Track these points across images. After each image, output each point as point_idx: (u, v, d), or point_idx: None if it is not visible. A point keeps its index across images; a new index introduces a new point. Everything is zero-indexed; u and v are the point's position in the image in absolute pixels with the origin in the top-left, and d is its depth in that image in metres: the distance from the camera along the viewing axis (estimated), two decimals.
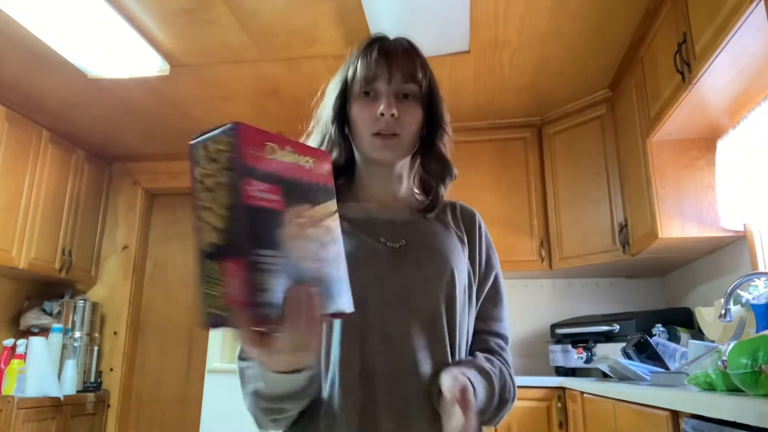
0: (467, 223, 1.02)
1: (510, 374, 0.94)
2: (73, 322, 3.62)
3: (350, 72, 0.98)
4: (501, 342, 0.97)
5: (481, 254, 1.00)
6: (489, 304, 0.99)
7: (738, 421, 1.01)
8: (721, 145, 2.37)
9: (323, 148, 0.99)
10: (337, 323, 0.86)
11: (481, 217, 1.05)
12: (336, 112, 0.98)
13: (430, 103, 0.98)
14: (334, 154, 0.98)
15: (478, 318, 0.98)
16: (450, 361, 0.88)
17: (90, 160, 3.96)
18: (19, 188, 3.32)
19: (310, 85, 3.57)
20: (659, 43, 2.31)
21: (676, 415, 1.38)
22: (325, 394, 0.85)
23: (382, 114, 0.91)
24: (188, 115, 3.54)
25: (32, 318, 3.58)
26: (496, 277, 1.01)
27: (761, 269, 2.19)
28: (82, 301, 3.70)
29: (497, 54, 2.74)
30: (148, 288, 4.15)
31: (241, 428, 2.58)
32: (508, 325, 1.00)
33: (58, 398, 3.22)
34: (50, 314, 3.67)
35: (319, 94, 1.07)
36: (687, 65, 1.99)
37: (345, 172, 1.00)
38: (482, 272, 0.99)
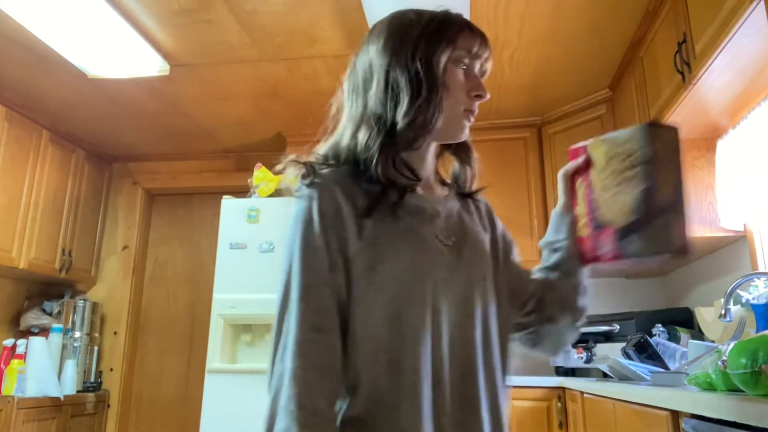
0: (486, 211, 1.05)
1: None
2: (73, 322, 3.62)
3: (451, 34, 0.90)
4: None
5: (501, 235, 1.04)
6: (518, 264, 1.04)
7: (738, 421, 1.01)
8: (721, 145, 2.37)
9: (416, 115, 0.87)
10: (409, 331, 0.83)
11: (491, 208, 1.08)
12: (437, 72, 0.88)
13: None
14: (432, 117, 0.88)
15: (524, 279, 1.02)
16: (496, 364, 0.88)
17: (90, 160, 3.96)
18: (19, 188, 3.32)
19: (310, 85, 3.63)
20: (659, 43, 2.31)
21: (676, 415, 1.38)
22: (391, 399, 0.80)
23: (478, 95, 0.90)
24: (188, 115, 3.54)
25: (32, 318, 3.58)
26: (514, 245, 1.06)
27: (761, 269, 2.19)
28: (82, 301, 3.70)
29: (497, 54, 2.74)
30: (148, 288, 4.15)
31: (241, 428, 2.58)
32: None
33: (58, 398, 3.22)
34: (50, 314, 3.67)
35: (382, 58, 0.91)
36: (687, 65, 1.99)
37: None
38: (506, 248, 1.03)
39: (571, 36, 2.64)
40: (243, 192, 3.10)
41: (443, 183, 1.02)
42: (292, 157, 0.95)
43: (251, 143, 3.95)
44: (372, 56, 0.92)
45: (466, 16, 2.38)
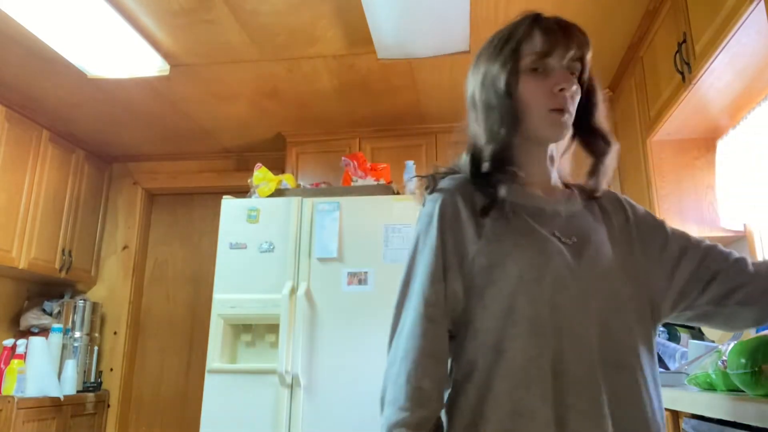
0: (614, 206, 1.03)
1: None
2: (73, 322, 3.62)
3: (513, 49, 0.95)
4: (714, 244, 1.01)
5: (638, 222, 1.02)
6: (680, 240, 1.01)
7: (738, 421, 1.01)
8: (721, 145, 2.37)
9: (494, 129, 0.95)
10: (526, 325, 0.86)
11: (626, 197, 1.07)
12: (510, 87, 0.94)
13: (586, 77, 0.99)
14: (505, 133, 0.95)
15: (688, 255, 0.99)
16: (624, 362, 0.88)
17: (90, 160, 3.96)
18: (19, 188, 3.32)
19: (310, 85, 3.62)
20: (659, 43, 2.31)
21: (676, 415, 1.38)
22: (504, 387, 0.84)
23: (561, 89, 0.92)
24: (188, 115, 3.54)
25: (32, 318, 3.58)
26: (666, 226, 1.03)
27: None
28: (82, 301, 3.70)
29: None
30: (148, 288, 4.15)
31: (241, 428, 2.58)
32: None
33: (58, 398, 3.22)
34: (50, 314, 3.67)
35: (472, 84, 1.02)
36: (687, 65, 1.99)
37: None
38: (648, 230, 1.01)
39: None
40: (243, 192, 3.10)
41: (567, 185, 1.04)
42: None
43: (251, 143, 3.95)
44: (467, 81, 1.04)
45: (466, 16, 2.39)
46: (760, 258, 2.23)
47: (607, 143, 1.01)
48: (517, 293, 0.87)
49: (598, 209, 1.02)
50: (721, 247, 1.01)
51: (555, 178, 1.02)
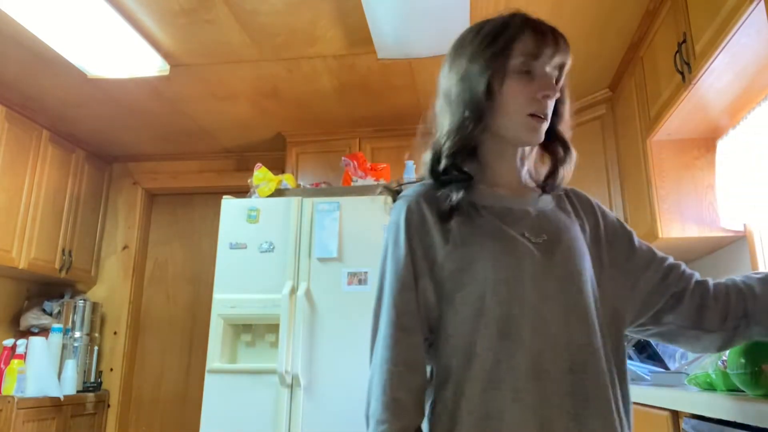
0: (585, 209, 1.04)
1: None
2: (73, 322, 3.62)
3: (501, 48, 0.93)
4: (678, 263, 1.02)
5: (607, 228, 1.02)
6: (646, 253, 1.02)
7: (738, 421, 1.01)
8: (721, 145, 2.37)
9: (464, 125, 0.94)
10: (497, 326, 0.86)
11: (598, 202, 1.07)
12: (493, 86, 0.92)
13: (561, 86, 0.98)
14: (472, 129, 0.94)
15: (652, 268, 1.00)
16: (598, 357, 0.88)
17: (90, 160, 3.96)
18: (19, 188, 3.32)
19: (310, 85, 3.62)
20: (659, 43, 2.31)
21: (676, 415, 1.38)
22: (478, 390, 0.84)
23: (545, 96, 0.91)
24: (188, 115, 3.54)
25: (32, 318, 3.58)
26: (634, 236, 1.05)
27: (761, 269, 2.19)
28: (82, 301, 3.70)
29: None
30: (148, 288, 4.15)
31: (241, 428, 2.58)
32: None
33: (58, 398, 3.22)
34: (50, 314, 3.67)
35: (448, 66, 1.00)
36: (687, 65, 1.99)
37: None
38: (616, 238, 1.02)
39: (570, 36, 2.61)
40: (243, 192, 3.10)
41: (539, 184, 1.03)
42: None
43: (251, 143, 3.95)
44: (441, 74, 1.02)
45: (466, 16, 2.39)
46: (760, 258, 2.23)
47: (567, 151, 1.01)
48: (485, 295, 0.86)
49: (570, 208, 1.02)
50: (684, 266, 1.02)
51: (525, 178, 1.01)
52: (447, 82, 1.00)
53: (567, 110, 1.01)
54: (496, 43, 0.93)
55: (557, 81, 0.95)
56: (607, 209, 1.07)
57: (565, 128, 1.01)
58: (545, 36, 0.93)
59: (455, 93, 0.96)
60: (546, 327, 0.86)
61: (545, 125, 0.93)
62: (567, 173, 1.01)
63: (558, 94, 0.94)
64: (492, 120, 0.94)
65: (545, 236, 0.92)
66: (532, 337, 0.85)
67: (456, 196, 0.91)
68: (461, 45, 1.00)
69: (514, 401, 0.82)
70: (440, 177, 0.95)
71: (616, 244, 1.01)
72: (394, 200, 0.99)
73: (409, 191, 0.97)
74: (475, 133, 0.94)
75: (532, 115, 0.92)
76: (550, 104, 0.93)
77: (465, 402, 0.84)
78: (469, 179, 0.94)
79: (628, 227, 1.06)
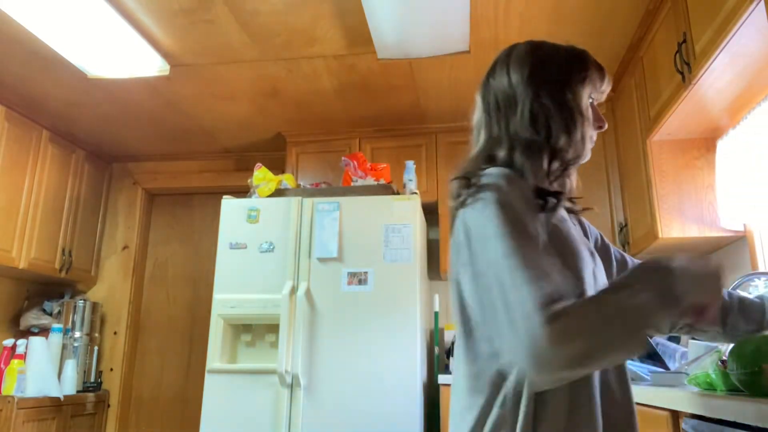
0: (579, 221, 1.14)
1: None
2: (73, 322, 3.62)
3: (583, 74, 1.02)
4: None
5: (595, 241, 1.16)
6: (624, 264, 1.17)
7: (738, 421, 1.01)
8: (721, 145, 2.37)
9: (571, 139, 0.98)
10: None
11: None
12: (582, 107, 1.01)
13: None
14: (570, 145, 0.98)
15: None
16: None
17: (90, 160, 3.96)
18: (19, 188, 3.32)
19: (310, 85, 3.61)
20: (659, 43, 2.31)
21: (676, 415, 1.38)
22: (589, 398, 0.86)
23: (600, 127, 1.04)
24: (188, 115, 3.54)
25: (32, 318, 3.58)
26: (611, 247, 1.20)
27: (761, 269, 2.19)
28: (82, 301, 3.70)
29: (497, 54, 2.73)
30: (148, 288, 4.15)
31: (241, 428, 2.59)
32: None
33: (58, 398, 3.22)
34: (50, 314, 3.67)
35: (525, 90, 1.01)
36: (687, 65, 1.99)
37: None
38: (603, 251, 1.16)
39: (571, 36, 2.64)
40: (243, 192, 3.10)
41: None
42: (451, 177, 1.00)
43: (251, 143, 3.95)
44: (514, 82, 1.00)
45: (466, 16, 2.39)
46: (760, 258, 2.23)
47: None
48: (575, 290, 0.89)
49: (576, 221, 1.11)
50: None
51: None
52: (530, 89, 0.99)
53: None
54: (581, 67, 1.02)
55: None
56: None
57: None
58: (606, 74, 1.05)
59: (551, 106, 0.97)
60: None
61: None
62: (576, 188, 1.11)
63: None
64: (575, 137, 0.99)
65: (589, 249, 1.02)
66: None
67: (555, 205, 0.93)
68: (547, 56, 1.02)
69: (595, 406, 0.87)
70: (547, 180, 0.96)
71: (601, 255, 1.12)
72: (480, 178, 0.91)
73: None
74: (585, 149, 1.01)
75: (592, 140, 1.03)
76: None
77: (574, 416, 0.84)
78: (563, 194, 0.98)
79: (607, 240, 1.19)
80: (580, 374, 0.79)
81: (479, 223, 0.84)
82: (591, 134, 1.02)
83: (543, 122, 0.96)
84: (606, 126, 1.05)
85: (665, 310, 0.75)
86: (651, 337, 1.92)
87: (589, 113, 1.01)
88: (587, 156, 1.03)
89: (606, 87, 1.05)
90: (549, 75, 1.00)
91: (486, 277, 0.80)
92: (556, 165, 0.95)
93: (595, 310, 0.74)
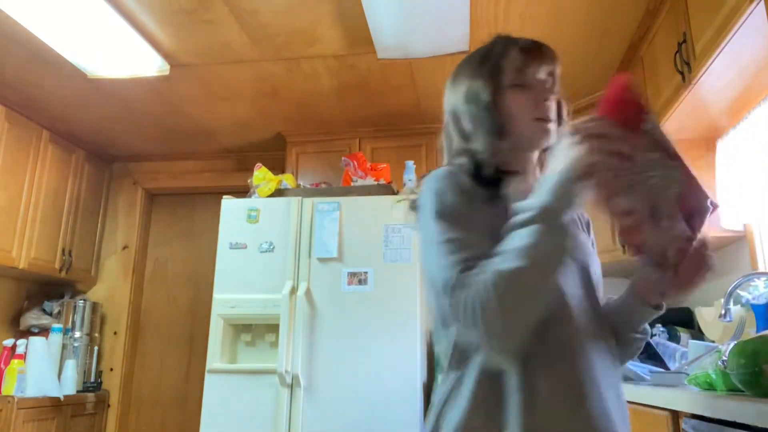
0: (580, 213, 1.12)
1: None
2: (73, 322, 3.62)
3: (493, 67, 1.00)
4: None
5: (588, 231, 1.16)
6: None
7: (738, 421, 1.01)
8: (721, 145, 2.37)
9: (486, 140, 0.99)
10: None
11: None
12: (495, 102, 0.98)
13: (557, 92, 1.04)
14: (492, 142, 0.98)
15: None
16: (609, 355, 0.94)
17: (90, 160, 3.96)
18: (19, 188, 3.32)
19: (310, 85, 3.61)
20: (659, 43, 2.31)
21: (676, 415, 1.38)
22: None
23: (544, 100, 0.97)
24: (188, 115, 3.54)
25: (32, 318, 3.58)
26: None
27: (761, 269, 2.19)
28: (82, 301, 3.70)
29: None
30: (148, 288, 4.15)
31: (241, 428, 2.59)
32: None
33: (58, 398, 3.22)
34: (50, 314, 3.67)
35: (452, 100, 1.05)
36: (687, 65, 1.99)
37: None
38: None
39: (571, 36, 2.64)
40: (243, 192, 3.10)
41: None
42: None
43: (251, 143, 3.95)
44: (445, 97, 1.07)
45: (466, 16, 2.39)
46: (760, 258, 2.23)
47: None
48: None
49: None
50: None
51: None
52: (451, 103, 1.05)
53: (566, 115, 1.06)
54: (487, 63, 1.01)
55: (552, 86, 1.01)
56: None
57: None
58: (529, 50, 1.00)
59: (462, 113, 1.01)
60: (580, 313, 0.95)
61: (552, 126, 0.99)
62: None
63: (554, 97, 1.00)
64: (505, 132, 0.98)
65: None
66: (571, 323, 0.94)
67: (504, 188, 0.95)
68: (459, 70, 1.06)
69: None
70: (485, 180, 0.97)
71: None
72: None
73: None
74: (494, 145, 0.98)
75: (537, 119, 0.97)
76: (552, 108, 0.99)
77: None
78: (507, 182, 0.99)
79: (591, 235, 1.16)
80: (520, 326, 0.78)
81: (420, 212, 0.95)
82: (525, 120, 0.97)
83: (461, 131, 1.01)
84: (550, 96, 0.98)
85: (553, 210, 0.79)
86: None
87: (515, 103, 0.97)
88: (535, 140, 0.99)
89: (531, 63, 0.99)
90: (459, 84, 1.04)
91: (424, 257, 0.92)
92: (485, 169, 0.96)
93: (501, 261, 0.78)
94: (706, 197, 0.92)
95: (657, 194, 0.86)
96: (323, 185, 3.10)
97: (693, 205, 0.91)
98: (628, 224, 0.85)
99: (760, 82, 1.96)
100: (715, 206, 0.89)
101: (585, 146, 0.78)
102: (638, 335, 1.03)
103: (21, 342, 3.23)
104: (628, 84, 0.82)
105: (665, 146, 0.88)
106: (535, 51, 1.01)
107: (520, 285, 0.76)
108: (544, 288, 0.79)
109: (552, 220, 0.78)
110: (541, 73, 0.99)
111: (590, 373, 0.86)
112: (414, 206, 0.98)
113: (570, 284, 0.91)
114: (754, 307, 1.85)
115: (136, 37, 2.62)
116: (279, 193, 2.93)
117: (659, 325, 2.54)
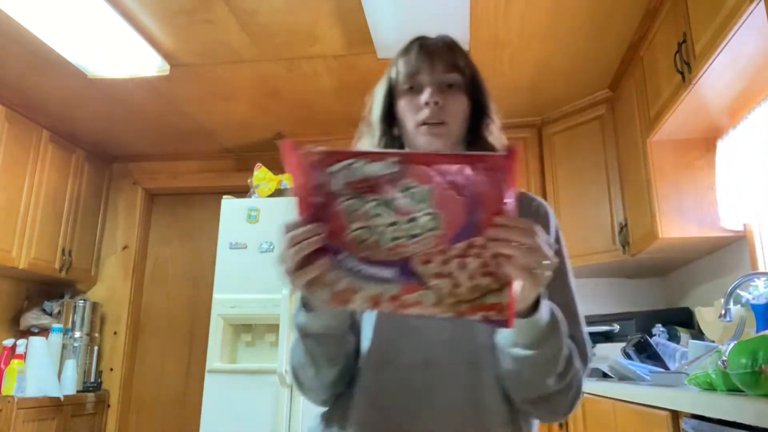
0: (537, 219, 0.94)
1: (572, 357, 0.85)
2: (73, 322, 3.62)
3: (393, 72, 1.00)
4: None
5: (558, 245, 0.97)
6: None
7: (738, 421, 1.01)
8: (721, 145, 2.37)
9: (374, 147, 1.01)
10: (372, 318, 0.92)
11: (550, 210, 1.01)
12: (383, 111, 1.00)
13: (475, 92, 0.99)
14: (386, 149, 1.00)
15: None
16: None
17: (90, 160, 3.96)
18: (19, 188, 3.32)
19: (310, 85, 3.61)
20: (659, 43, 2.31)
21: (676, 415, 1.38)
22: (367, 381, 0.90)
23: (426, 103, 0.93)
24: (188, 115, 3.54)
25: (32, 318, 3.58)
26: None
27: (761, 269, 2.19)
28: (82, 301, 3.70)
29: (497, 54, 2.74)
30: (148, 288, 4.15)
31: (241, 428, 2.59)
32: None
33: (58, 398, 3.22)
34: (50, 314, 3.67)
35: (367, 98, 1.08)
36: (687, 65, 1.99)
37: None
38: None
39: (571, 36, 2.64)
40: (243, 192, 3.10)
41: None
42: None
43: (251, 143, 3.95)
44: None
45: (466, 16, 2.39)
46: (760, 258, 2.23)
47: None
48: None
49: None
50: None
51: None
52: (371, 102, 1.06)
53: (490, 112, 1.01)
54: (389, 71, 1.01)
55: (471, 88, 0.97)
56: (558, 226, 1.00)
57: (491, 129, 1.00)
58: (417, 54, 0.96)
59: (369, 113, 1.04)
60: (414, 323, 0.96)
61: (443, 129, 0.93)
62: None
63: (454, 97, 0.94)
64: (397, 139, 1.00)
65: None
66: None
67: None
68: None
69: None
70: None
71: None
72: None
73: None
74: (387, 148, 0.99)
75: (422, 124, 0.93)
76: (447, 110, 0.93)
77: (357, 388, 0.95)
78: None
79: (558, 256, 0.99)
80: (312, 393, 0.96)
81: None
82: (411, 125, 0.94)
83: (373, 124, 1.03)
84: (431, 99, 0.92)
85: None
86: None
87: (402, 108, 0.96)
88: (421, 145, 0.94)
89: (411, 67, 0.95)
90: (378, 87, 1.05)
91: None
92: None
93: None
94: (500, 158, 0.68)
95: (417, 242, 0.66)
96: None
97: (491, 189, 0.66)
98: (413, 301, 0.66)
99: (760, 82, 1.96)
100: (513, 151, 0.67)
101: (286, 276, 0.73)
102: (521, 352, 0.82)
103: (21, 342, 3.23)
104: (290, 146, 0.68)
105: (382, 178, 0.66)
106: (427, 51, 0.96)
107: (294, 374, 0.94)
108: (312, 375, 0.89)
109: (302, 334, 0.85)
110: (433, 74, 0.94)
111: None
112: None
113: (431, 328, 0.87)
114: (754, 307, 1.85)
115: (136, 37, 2.62)
116: (279, 193, 2.93)
117: (659, 325, 2.54)
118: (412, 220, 0.66)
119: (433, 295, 0.66)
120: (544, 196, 3.30)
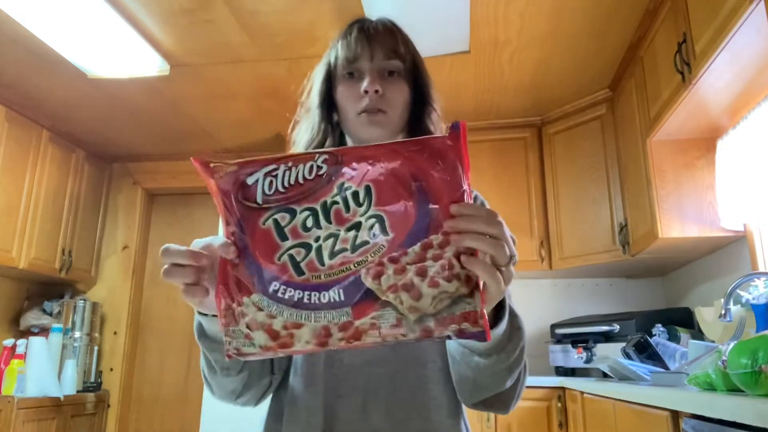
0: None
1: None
2: (73, 322, 3.62)
3: (332, 56, 0.96)
4: None
5: None
6: None
7: (738, 421, 1.01)
8: (721, 145, 2.37)
9: (313, 135, 0.98)
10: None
11: (486, 202, 0.96)
12: (322, 97, 0.96)
13: (416, 79, 0.96)
14: (327, 141, 0.96)
15: None
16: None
17: (90, 160, 3.96)
18: (19, 188, 3.32)
19: None
20: (659, 43, 2.31)
21: (676, 415, 1.38)
22: (290, 382, 0.89)
23: (366, 91, 0.88)
24: (188, 115, 3.54)
25: (32, 318, 3.58)
26: None
27: (761, 269, 2.19)
28: (82, 301, 3.70)
29: (497, 54, 2.74)
30: (148, 288, 4.15)
31: (241, 428, 2.58)
32: None
33: (58, 398, 3.22)
34: (50, 314, 3.67)
35: (305, 81, 1.03)
36: (687, 65, 1.99)
37: None
38: None
39: (571, 36, 2.64)
40: None
41: None
42: None
43: (251, 143, 3.95)
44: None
45: (466, 16, 2.40)
46: (760, 258, 2.23)
47: None
48: None
49: None
50: None
51: None
52: (309, 86, 1.03)
53: (431, 100, 0.98)
54: (328, 54, 0.98)
55: (412, 74, 0.95)
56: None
57: (432, 117, 0.98)
58: (357, 39, 0.93)
59: (307, 98, 1.01)
60: None
61: (383, 118, 0.90)
62: None
63: (395, 85, 0.91)
64: (336, 126, 0.96)
65: None
66: None
67: None
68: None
69: None
70: None
71: None
72: None
73: None
74: (324, 139, 0.96)
75: (362, 112, 0.90)
76: (388, 98, 0.90)
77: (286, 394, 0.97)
78: None
79: None
80: (224, 397, 0.96)
81: None
82: (351, 113, 0.91)
83: (309, 116, 1.02)
84: (371, 87, 0.87)
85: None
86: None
87: (341, 95, 0.92)
88: (359, 134, 0.91)
89: (351, 53, 0.91)
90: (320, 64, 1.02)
91: None
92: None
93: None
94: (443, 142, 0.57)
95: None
96: None
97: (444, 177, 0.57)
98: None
99: (760, 82, 1.96)
100: (460, 127, 0.56)
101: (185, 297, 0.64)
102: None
103: (21, 342, 3.23)
104: (200, 164, 0.62)
105: (312, 183, 0.57)
106: (367, 36, 0.92)
107: (203, 375, 0.93)
108: (213, 381, 0.90)
109: (198, 334, 0.81)
110: (373, 60, 0.91)
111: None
112: None
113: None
114: (754, 307, 1.85)
115: (136, 37, 2.62)
116: None
117: (659, 325, 2.54)
118: (354, 227, 0.56)
119: (392, 314, 0.55)
120: (544, 197, 3.30)
